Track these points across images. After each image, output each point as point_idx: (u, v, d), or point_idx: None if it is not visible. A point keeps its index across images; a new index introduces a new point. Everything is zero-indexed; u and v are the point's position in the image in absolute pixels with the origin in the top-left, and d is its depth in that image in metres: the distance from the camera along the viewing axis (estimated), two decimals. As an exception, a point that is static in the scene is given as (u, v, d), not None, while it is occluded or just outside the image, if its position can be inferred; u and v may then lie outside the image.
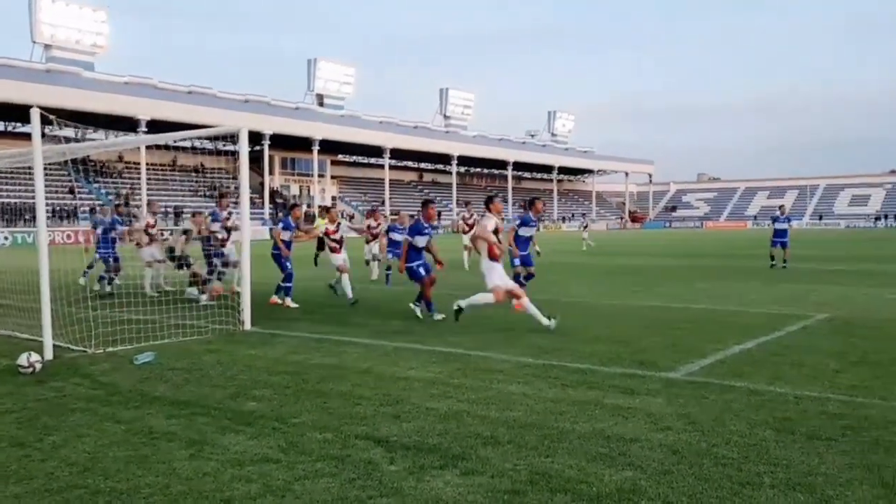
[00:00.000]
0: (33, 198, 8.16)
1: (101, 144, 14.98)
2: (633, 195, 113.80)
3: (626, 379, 6.14)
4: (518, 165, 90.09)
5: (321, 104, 73.15)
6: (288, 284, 11.71)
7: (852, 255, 26.16)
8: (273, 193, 65.95)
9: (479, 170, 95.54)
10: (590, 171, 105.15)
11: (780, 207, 21.70)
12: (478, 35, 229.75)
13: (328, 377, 6.38)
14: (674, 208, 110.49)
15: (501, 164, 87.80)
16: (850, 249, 30.34)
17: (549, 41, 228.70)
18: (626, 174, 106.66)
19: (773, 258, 19.98)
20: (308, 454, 4.31)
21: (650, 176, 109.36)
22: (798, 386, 5.81)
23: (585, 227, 37.98)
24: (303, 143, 66.12)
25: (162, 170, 60.22)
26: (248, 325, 9.26)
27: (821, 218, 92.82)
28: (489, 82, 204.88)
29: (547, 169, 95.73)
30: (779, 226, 20.11)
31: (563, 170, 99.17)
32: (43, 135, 7.67)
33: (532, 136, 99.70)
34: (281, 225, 12.08)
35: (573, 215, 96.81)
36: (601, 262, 23.79)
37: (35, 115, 7.59)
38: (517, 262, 11.57)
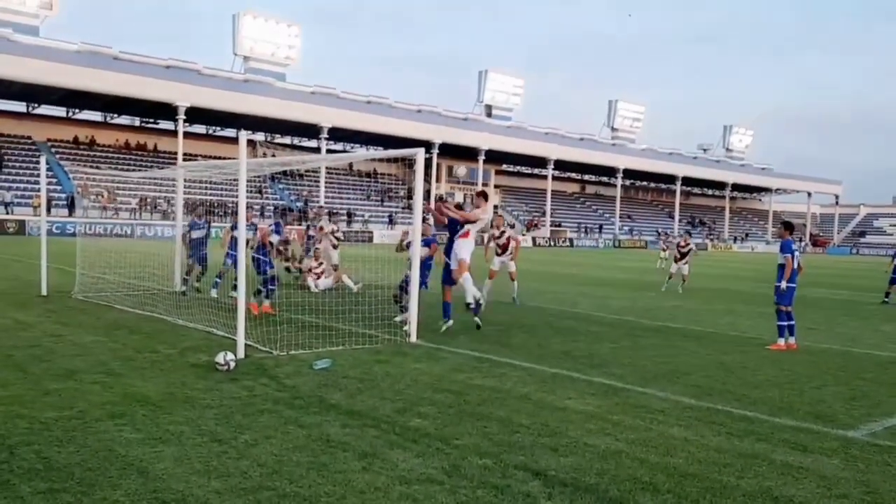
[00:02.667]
0: (231, 197, 9.18)
1: (291, 161, 16.10)
2: (816, 217, 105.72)
3: (798, 433, 5.85)
4: (687, 181, 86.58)
5: (489, 115, 74.32)
6: (272, 287, 11.82)
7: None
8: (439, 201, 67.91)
9: (645, 183, 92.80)
10: (767, 190, 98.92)
11: None
12: (650, 41, 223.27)
13: (488, 400, 6.59)
14: (863, 233, 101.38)
15: (670, 179, 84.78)
16: None
17: (726, 47, 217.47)
18: (809, 194, 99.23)
19: (887, 294, 19.17)
20: (469, 479, 4.52)
21: (837, 197, 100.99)
22: None
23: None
24: (469, 152, 67.60)
25: (337, 173, 63.81)
26: (414, 338, 9.72)
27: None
28: (661, 93, 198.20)
29: (719, 185, 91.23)
30: None
31: (738, 187, 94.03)
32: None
33: (704, 150, 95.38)
34: (272, 228, 13.09)
35: (747, 235, 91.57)
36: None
37: (242, 139, 8.49)
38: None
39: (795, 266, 10.32)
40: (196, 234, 14.60)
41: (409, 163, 10.50)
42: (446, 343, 9.61)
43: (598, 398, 6.83)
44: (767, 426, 6.03)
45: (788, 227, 10.72)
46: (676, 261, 20.55)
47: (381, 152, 12.75)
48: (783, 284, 10.31)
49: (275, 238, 13.31)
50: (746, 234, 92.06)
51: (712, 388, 7.41)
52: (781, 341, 10.39)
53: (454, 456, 4.96)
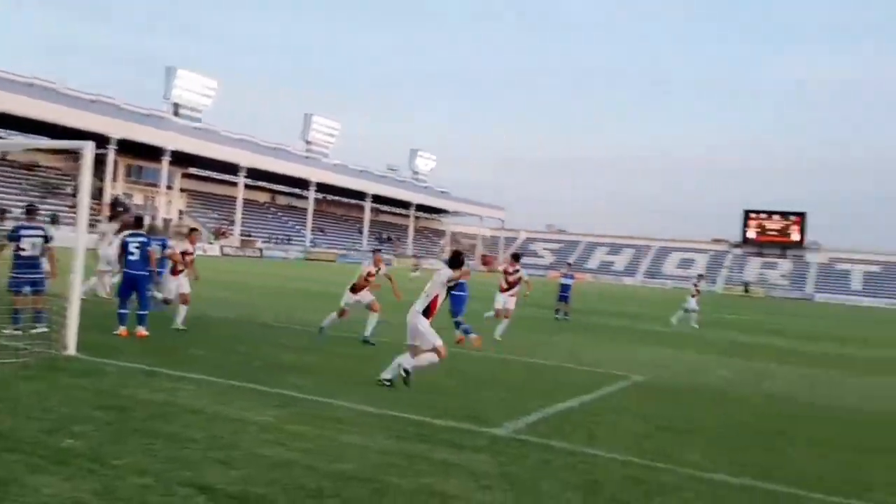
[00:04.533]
0: None
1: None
2: (486, 238, 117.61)
3: (456, 433, 6.41)
4: (377, 198, 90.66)
5: (176, 114, 70.29)
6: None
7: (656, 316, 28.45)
8: (115, 202, 62.17)
9: (337, 198, 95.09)
10: (446, 212, 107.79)
11: (567, 265, 24.73)
12: (348, 66, 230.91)
13: (156, 415, 6.18)
14: (522, 255, 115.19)
15: (360, 195, 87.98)
16: (672, 311, 32.98)
17: (419, 81, 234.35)
18: (480, 218, 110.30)
19: (557, 311, 22.30)
20: (126, 500, 4.19)
21: (502, 221, 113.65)
22: (609, 448, 6.33)
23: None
24: (152, 152, 63.06)
25: (-12, 162, 55.22)
26: (72, 350, 8.71)
27: (652, 277, 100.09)
28: (356, 113, 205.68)
29: (405, 205, 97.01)
30: (564, 281, 22.50)
31: (421, 207, 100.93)
32: None
33: (393, 170, 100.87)
34: (159, 243, 12.53)
35: (427, 252, 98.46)
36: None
37: None
38: None
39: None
40: None
41: (76, 157, 9.46)
42: (112, 356, 8.80)
43: (277, 409, 6.79)
44: (431, 428, 6.52)
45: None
46: (502, 290, 15.36)
47: (41, 142, 11.30)
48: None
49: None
50: (427, 252, 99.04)
51: (390, 396, 7.80)
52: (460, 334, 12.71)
53: (110, 476, 4.55)
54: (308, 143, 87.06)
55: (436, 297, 8.36)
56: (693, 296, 23.57)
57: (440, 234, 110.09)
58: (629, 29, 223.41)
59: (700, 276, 28.31)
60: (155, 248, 11.71)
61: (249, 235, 72.49)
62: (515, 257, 16.42)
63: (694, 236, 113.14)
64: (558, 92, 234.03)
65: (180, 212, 71.31)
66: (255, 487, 4.57)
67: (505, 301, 15.09)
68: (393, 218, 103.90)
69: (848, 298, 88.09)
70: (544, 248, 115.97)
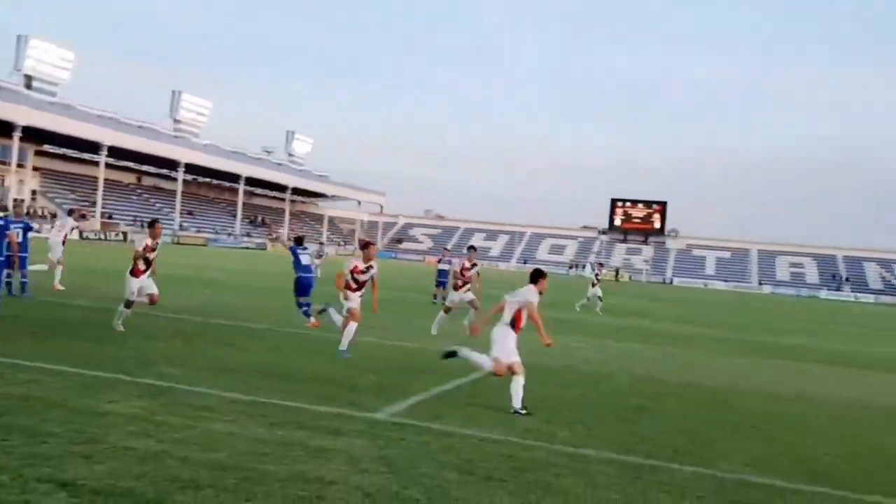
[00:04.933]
0: None
1: None
2: (364, 224, 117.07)
3: (333, 419, 6.41)
4: (251, 181, 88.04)
5: (29, 86, 65.14)
6: None
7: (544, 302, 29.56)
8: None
9: (208, 180, 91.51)
10: (324, 196, 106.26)
11: (444, 250, 25.53)
12: (221, 43, 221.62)
13: (12, 410, 5.78)
14: (400, 240, 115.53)
15: (233, 178, 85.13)
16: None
17: (297, 63, 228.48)
18: (359, 202, 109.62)
19: (435, 296, 22.68)
20: (-23, 502, 3.91)
21: (381, 206, 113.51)
22: (484, 428, 6.53)
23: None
24: (1, 127, 58.16)
25: None
26: None
27: (525, 262, 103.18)
28: (229, 93, 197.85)
29: (281, 188, 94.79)
30: (442, 266, 22.99)
31: (298, 191, 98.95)
32: None
33: (268, 152, 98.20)
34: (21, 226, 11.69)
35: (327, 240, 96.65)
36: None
37: None
38: None
39: None
40: None
41: None
42: (-43, 347, 8.12)
43: (144, 399, 6.52)
44: (308, 415, 6.48)
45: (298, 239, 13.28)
46: (457, 288, 14.64)
47: None
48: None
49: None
50: (327, 240, 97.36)
51: (264, 385, 7.66)
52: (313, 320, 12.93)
53: (-42, 477, 4.23)
54: (177, 121, 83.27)
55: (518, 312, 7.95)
56: (594, 284, 24.96)
57: (318, 218, 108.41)
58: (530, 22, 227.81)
59: (600, 265, 29.90)
60: (14, 232, 10.85)
61: (111, 217, 68.46)
62: (473, 249, 15.47)
63: (565, 224, 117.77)
64: (426, 77, 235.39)
65: (33, 192, 66.37)
66: (122, 481, 4.39)
67: (461, 297, 14.49)
68: (268, 201, 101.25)
69: (702, 282, 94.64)
70: (423, 234, 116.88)
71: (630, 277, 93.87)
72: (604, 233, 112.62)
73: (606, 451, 6.12)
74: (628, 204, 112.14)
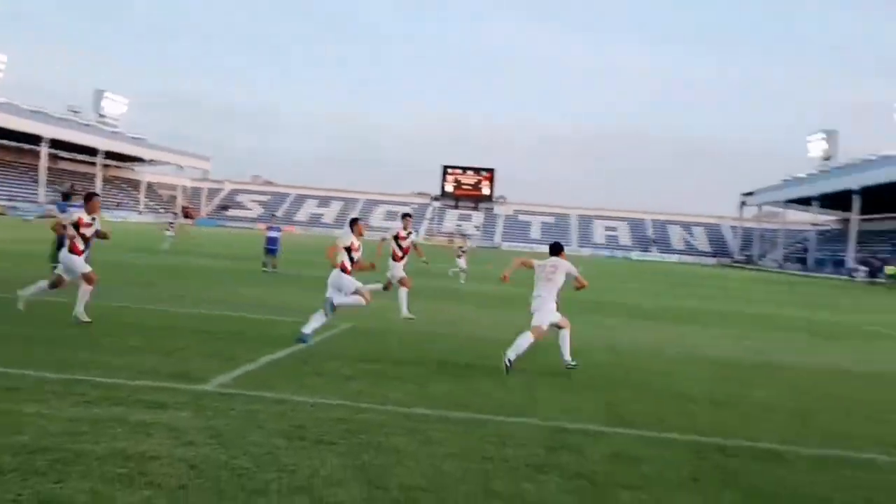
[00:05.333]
0: None
1: None
2: (187, 190, 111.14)
3: (156, 392, 6.11)
4: (56, 143, 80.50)
5: None
6: None
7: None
8: None
9: (4, 142, 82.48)
10: (140, 160, 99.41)
11: (273, 217, 24.99)
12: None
13: None
14: (227, 207, 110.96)
15: (34, 139, 77.41)
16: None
17: (114, 15, 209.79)
18: (181, 167, 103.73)
19: (265, 264, 22.15)
20: None
21: (206, 172, 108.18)
22: (316, 393, 6.51)
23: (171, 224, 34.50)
24: None
25: None
26: None
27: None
28: (28, 47, 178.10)
29: (91, 151, 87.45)
30: (270, 234, 22.35)
31: (111, 155, 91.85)
32: None
33: (75, 112, 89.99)
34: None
35: (118, 204, 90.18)
36: (150, 262, 22.81)
37: None
38: None
39: None
40: None
41: None
42: None
43: (-70, 384, 5.85)
44: (127, 390, 6.13)
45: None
46: (397, 259, 13.38)
47: None
48: None
49: None
50: (118, 204, 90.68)
51: (78, 362, 7.11)
52: None
53: None
54: (-35, 75, 73.99)
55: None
56: (459, 256, 25.54)
57: (134, 184, 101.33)
58: None
59: (464, 237, 30.46)
60: None
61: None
62: (408, 216, 13.87)
63: (398, 190, 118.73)
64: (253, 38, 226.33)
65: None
66: None
67: (399, 273, 13.20)
68: (77, 166, 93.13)
69: (528, 245, 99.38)
70: (251, 201, 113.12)
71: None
72: (436, 199, 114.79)
73: (439, 409, 6.32)
74: (459, 171, 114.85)
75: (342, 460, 4.76)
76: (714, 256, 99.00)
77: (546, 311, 8.77)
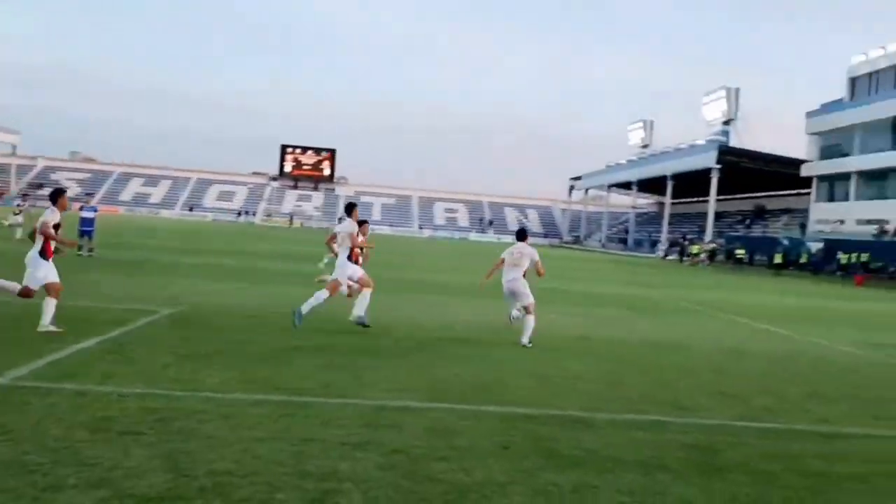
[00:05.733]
0: None
1: None
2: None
3: (-64, 389, 5.54)
4: None
5: None
6: None
7: (214, 248, 28.59)
8: None
9: None
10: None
11: (88, 196, 23.58)
12: None
13: None
14: (41, 185, 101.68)
15: None
16: (212, 243, 33.07)
17: None
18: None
19: (80, 247, 20.54)
20: None
21: (14, 147, 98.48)
22: (126, 383, 6.18)
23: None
24: None
25: None
26: None
27: (191, 209, 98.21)
28: None
29: None
30: (85, 214, 20.87)
31: None
32: None
33: None
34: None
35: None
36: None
37: None
38: None
39: None
40: None
41: None
42: None
43: None
44: None
45: None
46: (356, 259, 10.78)
47: None
48: None
49: None
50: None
51: None
52: None
53: None
54: None
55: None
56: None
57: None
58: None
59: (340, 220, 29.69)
60: None
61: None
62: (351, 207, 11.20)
63: (234, 169, 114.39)
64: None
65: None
66: None
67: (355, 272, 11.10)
68: None
69: (371, 227, 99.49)
70: (69, 179, 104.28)
71: (302, 224, 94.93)
72: (275, 179, 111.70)
73: (256, 394, 6.22)
74: (298, 150, 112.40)
75: (148, 451, 4.57)
76: (546, 237, 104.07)
77: (524, 289, 10.06)
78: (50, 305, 8.36)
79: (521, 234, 10.78)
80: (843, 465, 5.58)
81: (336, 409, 5.98)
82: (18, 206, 31.58)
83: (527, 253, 10.31)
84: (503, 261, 10.41)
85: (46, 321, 8.32)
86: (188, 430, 5.05)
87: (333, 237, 11.18)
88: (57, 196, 8.94)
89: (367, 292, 10.32)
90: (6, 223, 29.60)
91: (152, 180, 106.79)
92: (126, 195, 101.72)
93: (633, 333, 12.52)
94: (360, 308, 10.21)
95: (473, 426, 5.80)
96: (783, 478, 5.16)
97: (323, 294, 9.89)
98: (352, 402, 6.23)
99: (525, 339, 9.86)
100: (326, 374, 7.25)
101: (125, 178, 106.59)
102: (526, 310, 10.03)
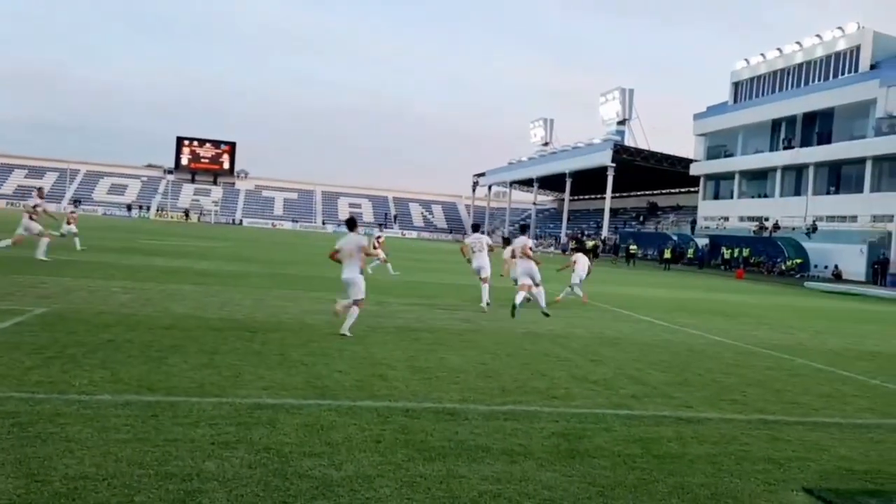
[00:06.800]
0: None
1: None
2: None
3: None
4: None
5: None
6: None
7: (102, 245, 27.31)
8: None
9: None
10: None
11: None
12: None
13: None
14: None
15: None
16: (102, 240, 31.58)
17: None
18: None
19: None
20: None
21: None
22: (-16, 387, 5.90)
23: None
24: None
25: None
26: None
27: (78, 203, 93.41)
28: None
29: None
30: None
31: None
32: None
33: None
34: None
35: None
36: None
37: None
38: None
39: None
40: None
41: None
42: None
43: None
44: None
45: None
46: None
47: None
48: None
49: None
50: None
51: None
52: None
53: None
54: None
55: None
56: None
57: None
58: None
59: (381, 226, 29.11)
60: None
61: None
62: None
63: (127, 161, 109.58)
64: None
65: None
66: None
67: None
68: None
69: (270, 221, 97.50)
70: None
71: (199, 218, 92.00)
72: (170, 172, 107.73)
73: (126, 394, 6.06)
74: (196, 143, 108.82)
75: (2, 456, 4.40)
76: (451, 233, 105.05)
77: (360, 283, 10.27)
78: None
79: (352, 224, 10.43)
80: (695, 447, 5.99)
81: (209, 408, 5.91)
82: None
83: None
84: (338, 251, 10.29)
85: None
86: (47, 434, 4.89)
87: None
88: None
89: (356, 311, 10.31)
90: None
91: (36, 172, 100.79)
92: (8, 188, 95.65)
93: (517, 326, 12.88)
94: (345, 327, 10.21)
95: (349, 421, 5.87)
96: (640, 460, 5.50)
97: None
98: (227, 401, 6.17)
99: (345, 329, 10.11)
100: (202, 374, 7.13)
101: (6, 170, 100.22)
102: (356, 303, 10.25)
